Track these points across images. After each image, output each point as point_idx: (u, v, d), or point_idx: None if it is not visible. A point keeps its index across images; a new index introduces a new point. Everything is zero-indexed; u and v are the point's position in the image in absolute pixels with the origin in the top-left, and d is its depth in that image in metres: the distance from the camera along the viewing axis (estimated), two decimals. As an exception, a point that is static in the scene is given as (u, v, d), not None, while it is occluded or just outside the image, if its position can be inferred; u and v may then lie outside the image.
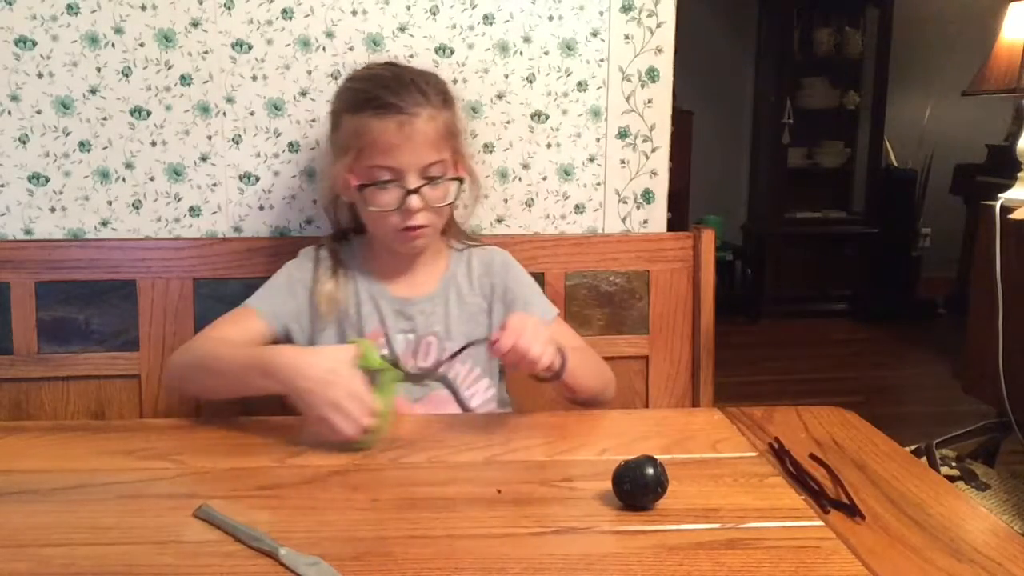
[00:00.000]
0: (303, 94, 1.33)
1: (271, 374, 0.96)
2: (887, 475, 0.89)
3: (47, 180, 1.30)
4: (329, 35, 1.32)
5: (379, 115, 1.05)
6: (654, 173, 1.42)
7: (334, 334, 1.15)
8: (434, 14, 1.33)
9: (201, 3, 1.29)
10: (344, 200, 1.16)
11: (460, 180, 1.13)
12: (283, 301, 1.15)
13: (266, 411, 1.31)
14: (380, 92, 1.06)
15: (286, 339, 1.14)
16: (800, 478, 0.87)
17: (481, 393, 1.17)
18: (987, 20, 2.88)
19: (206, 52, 1.30)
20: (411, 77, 1.10)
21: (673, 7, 1.38)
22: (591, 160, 1.40)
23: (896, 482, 0.87)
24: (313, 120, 1.34)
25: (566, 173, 1.40)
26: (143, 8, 1.28)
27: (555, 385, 1.07)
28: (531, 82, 1.37)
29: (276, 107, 1.33)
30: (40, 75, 1.28)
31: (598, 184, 1.41)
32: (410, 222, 1.08)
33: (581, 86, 1.38)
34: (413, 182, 1.07)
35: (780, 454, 0.93)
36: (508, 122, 1.37)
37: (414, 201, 1.06)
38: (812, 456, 0.93)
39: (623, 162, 1.41)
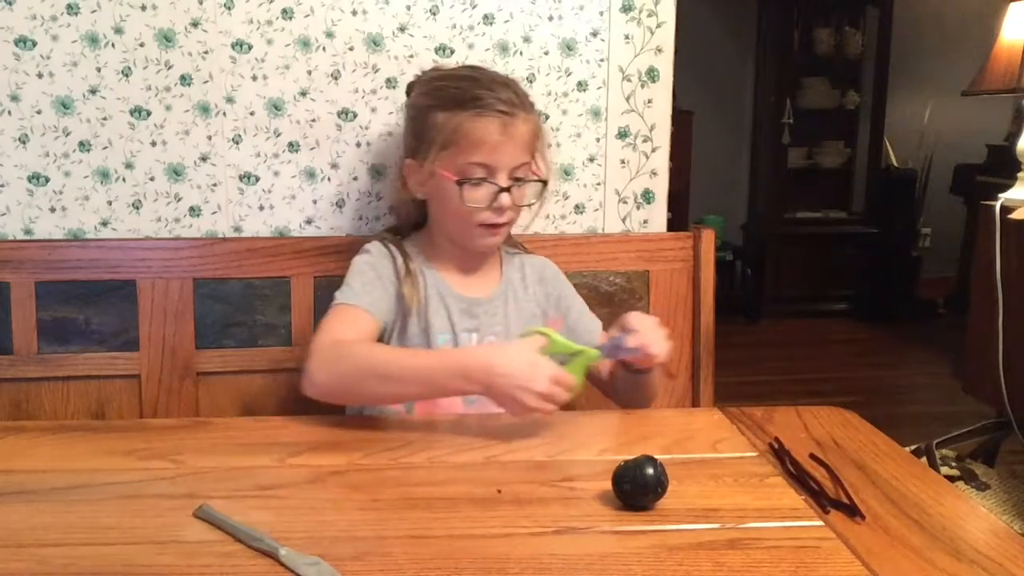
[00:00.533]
0: (303, 94, 1.33)
1: (468, 375, 0.96)
2: (887, 475, 0.89)
3: (47, 180, 1.30)
4: (329, 35, 1.32)
5: (482, 114, 1.08)
6: (654, 173, 1.42)
7: (405, 330, 1.15)
8: (434, 14, 1.33)
9: (201, 3, 1.29)
10: (419, 196, 1.16)
11: (544, 182, 1.15)
12: (380, 296, 1.13)
13: (266, 411, 1.32)
14: (481, 92, 1.09)
15: (387, 334, 1.14)
16: (800, 478, 0.87)
17: None
18: (987, 20, 2.88)
19: (206, 52, 1.30)
20: (504, 80, 1.13)
21: (673, 7, 1.38)
22: (591, 160, 1.40)
23: (896, 482, 0.87)
24: (313, 120, 1.34)
25: (566, 173, 1.40)
26: (143, 8, 1.28)
27: (633, 380, 1.12)
28: (531, 82, 1.37)
29: (276, 107, 1.33)
30: (40, 75, 1.28)
31: (598, 184, 1.41)
32: (499, 219, 1.11)
33: (581, 86, 1.38)
34: (504, 181, 1.09)
35: (780, 454, 0.93)
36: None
37: (505, 199, 1.09)
38: (812, 456, 0.93)
39: (623, 162, 1.41)
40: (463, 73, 1.16)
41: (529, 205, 1.15)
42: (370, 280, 1.14)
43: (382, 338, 1.14)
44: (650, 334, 1.02)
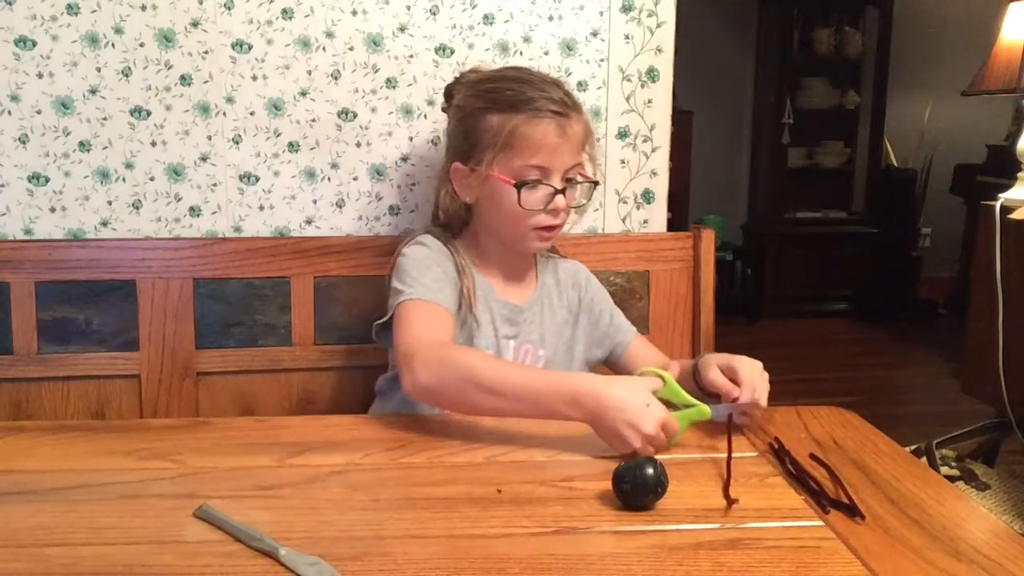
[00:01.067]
0: (303, 94, 1.33)
1: (578, 402, 0.93)
2: (887, 475, 0.89)
3: (47, 180, 1.30)
4: (329, 35, 1.32)
5: (538, 116, 1.07)
6: (654, 173, 1.42)
7: (460, 331, 1.13)
8: (434, 14, 1.33)
9: (201, 3, 1.29)
10: (467, 200, 1.14)
11: (595, 183, 1.15)
12: (450, 292, 1.11)
13: (266, 411, 1.32)
14: (535, 94, 1.08)
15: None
16: (800, 478, 0.87)
17: None
18: (987, 20, 2.88)
19: (206, 52, 1.30)
20: (553, 80, 1.12)
21: (673, 7, 1.38)
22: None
23: (896, 482, 0.87)
24: (313, 120, 1.34)
25: (566, 173, 1.40)
26: (143, 8, 1.28)
27: None
28: (531, 82, 1.36)
29: (276, 107, 1.33)
30: (40, 75, 1.28)
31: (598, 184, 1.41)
32: (554, 221, 1.10)
33: (581, 86, 1.38)
34: (558, 182, 1.09)
35: (780, 454, 0.93)
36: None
37: (561, 200, 1.09)
38: (812, 456, 0.93)
39: (623, 162, 1.41)
40: (513, 74, 1.14)
41: (580, 206, 1.14)
42: (438, 276, 1.11)
43: None
44: (759, 388, 1.00)
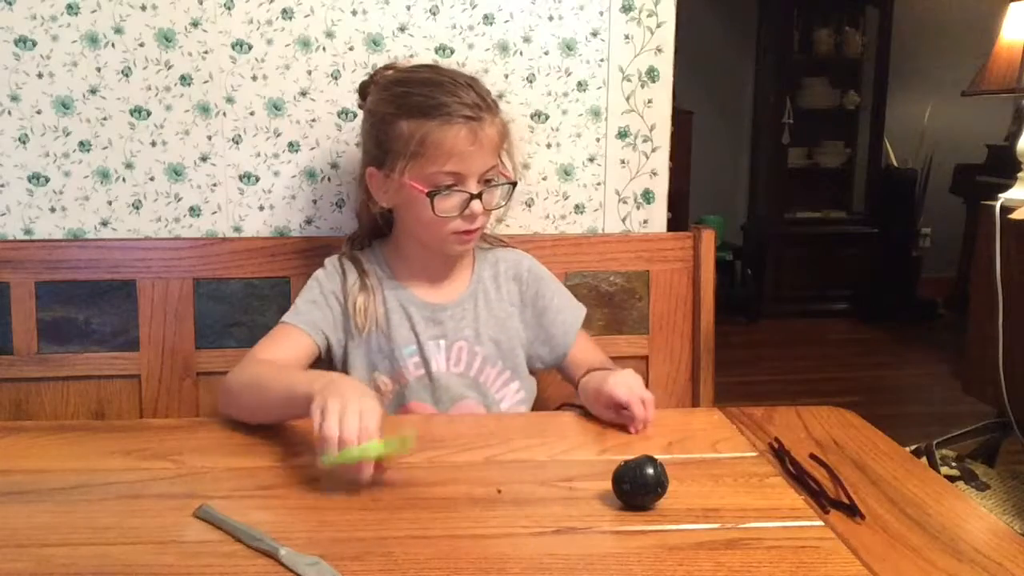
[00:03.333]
0: (303, 94, 1.33)
1: (297, 393, 0.91)
2: (887, 475, 0.89)
3: (47, 180, 1.30)
4: (329, 35, 1.32)
5: (449, 122, 1.04)
6: (654, 173, 1.42)
7: (365, 345, 1.14)
8: (434, 14, 1.33)
9: (201, 3, 1.29)
10: (383, 206, 1.13)
11: (514, 184, 1.13)
12: (322, 314, 1.13)
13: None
14: (446, 99, 1.05)
15: (328, 352, 1.14)
16: (800, 478, 0.87)
17: (511, 396, 1.18)
18: (987, 20, 2.88)
19: (206, 52, 1.30)
20: (467, 81, 1.09)
21: (673, 7, 1.38)
22: (591, 160, 1.40)
23: (896, 482, 0.87)
24: (313, 120, 1.34)
25: (566, 173, 1.40)
26: (143, 8, 1.28)
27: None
28: (531, 82, 1.37)
29: (276, 107, 1.33)
30: (40, 75, 1.28)
31: (598, 184, 1.41)
32: (471, 226, 1.08)
33: (581, 86, 1.38)
34: (474, 187, 1.07)
35: (780, 454, 0.93)
36: (508, 122, 1.36)
37: (477, 206, 1.07)
38: (812, 456, 0.93)
39: (623, 162, 1.41)
40: (425, 76, 1.10)
41: (499, 207, 1.12)
42: (313, 299, 1.14)
43: (332, 357, 1.14)
44: (647, 403, 1.00)
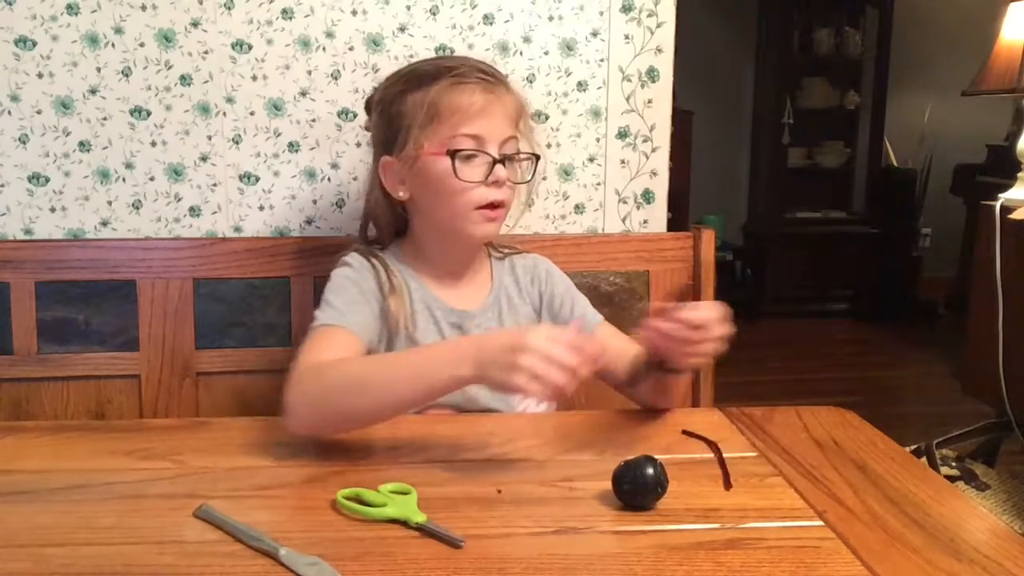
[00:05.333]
0: (303, 94, 1.33)
1: (459, 355, 0.85)
2: (887, 475, 0.89)
3: (47, 180, 1.30)
4: (329, 35, 1.32)
5: (461, 81, 1.00)
6: (654, 173, 1.42)
7: (389, 348, 1.08)
8: (434, 14, 1.33)
9: (201, 3, 1.29)
10: (401, 195, 1.08)
11: (537, 157, 1.07)
12: (365, 314, 1.04)
13: (266, 411, 1.31)
14: (455, 64, 1.02)
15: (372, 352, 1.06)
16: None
17: (535, 405, 1.10)
18: (987, 20, 2.88)
19: (206, 52, 1.30)
20: (478, 60, 1.07)
21: (673, 7, 1.38)
22: (591, 160, 1.40)
23: (896, 482, 0.87)
24: (313, 120, 1.34)
25: (566, 173, 1.40)
26: (143, 8, 1.28)
27: (664, 382, 1.02)
28: (531, 82, 1.37)
29: (276, 107, 1.33)
30: (40, 75, 1.28)
31: (598, 184, 1.41)
32: (495, 197, 1.02)
33: (581, 86, 1.38)
34: (495, 152, 1.01)
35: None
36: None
37: (501, 171, 1.01)
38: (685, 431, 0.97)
39: (623, 162, 1.41)
40: (431, 58, 1.09)
41: (526, 182, 1.08)
42: (353, 297, 1.05)
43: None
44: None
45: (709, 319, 0.90)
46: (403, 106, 1.04)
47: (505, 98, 1.04)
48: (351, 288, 1.06)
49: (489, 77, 1.03)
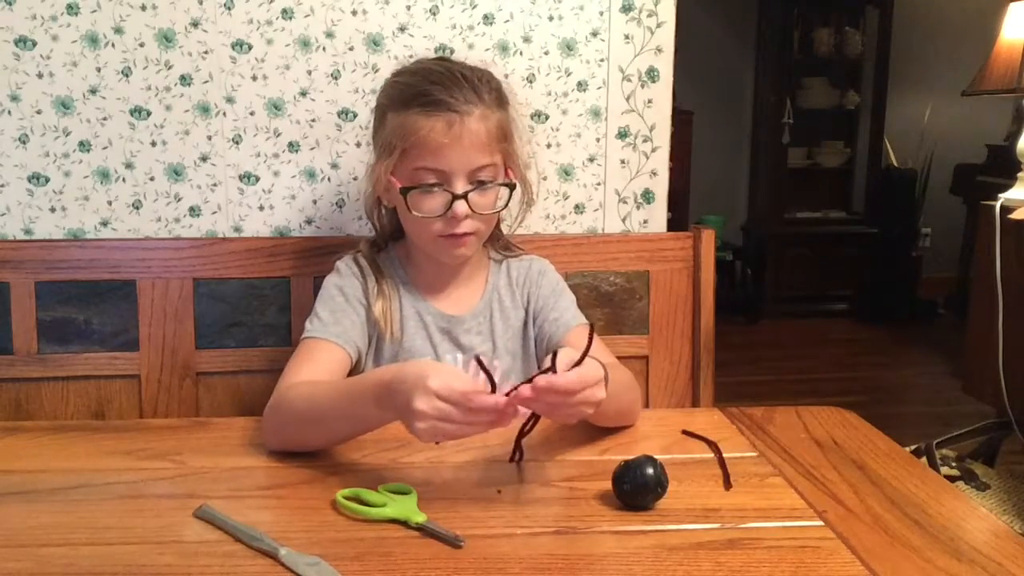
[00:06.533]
0: (303, 94, 1.33)
1: (378, 398, 0.83)
2: (887, 475, 0.89)
3: (47, 180, 1.30)
4: (329, 35, 1.32)
5: (427, 112, 0.98)
6: (654, 173, 1.42)
7: (375, 353, 1.09)
8: (434, 14, 1.33)
9: (201, 3, 1.29)
10: (386, 204, 1.10)
11: (512, 186, 1.05)
12: (350, 322, 1.05)
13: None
14: (429, 87, 0.99)
15: (363, 360, 1.07)
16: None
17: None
18: (987, 20, 2.88)
19: (206, 52, 1.30)
20: (462, 72, 1.02)
21: (673, 7, 1.38)
22: (591, 160, 1.40)
23: (896, 482, 0.87)
24: (313, 120, 1.34)
25: (566, 173, 1.40)
26: (143, 8, 1.28)
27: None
28: (531, 82, 1.37)
29: (276, 107, 1.33)
30: (40, 75, 1.28)
31: (598, 184, 1.41)
32: (455, 230, 1.01)
33: (581, 86, 1.38)
34: (460, 187, 0.99)
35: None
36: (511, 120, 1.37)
37: (460, 207, 0.99)
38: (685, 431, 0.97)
39: (623, 162, 1.41)
40: (421, 67, 1.05)
41: (497, 212, 1.05)
42: (338, 307, 1.05)
43: (357, 367, 1.06)
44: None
45: (581, 385, 0.79)
46: (387, 123, 1.03)
47: (476, 126, 0.99)
48: (337, 297, 1.07)
49: (461, 106, 0.98)
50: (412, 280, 1.11)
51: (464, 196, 1.00)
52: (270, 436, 0.95)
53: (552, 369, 0.78)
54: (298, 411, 0.93)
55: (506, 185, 1.05)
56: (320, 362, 1.01)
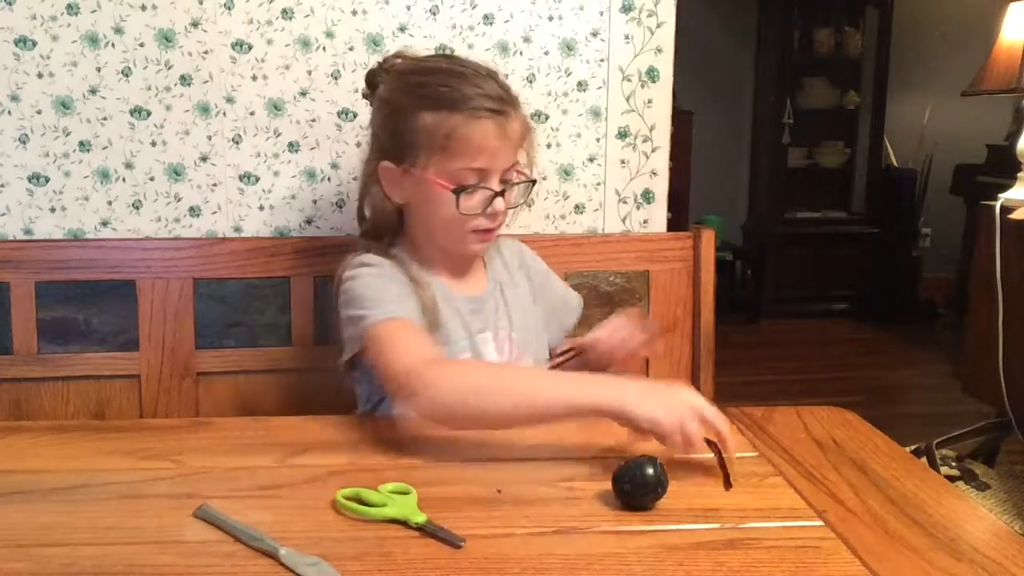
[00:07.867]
0: (303, 94, 1.33)
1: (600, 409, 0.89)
2: (887, 475, 0.89)
3: (47, 180, 1.30)
4: (329, 35, 1.32)
5: (476, 116, 1.00)
6: (654, 173, 1.42)
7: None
8: (434, 14, 1.33)
9: (201, 3, 1.29)
10: (398, 201, 1.07)
11: (533, 182, 1.09)
12: (414, 305, 1.03)
13: (266, 411, 1.32)
14: (469, 90, 1.00)
15: None
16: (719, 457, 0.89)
17: None
18: (987, 20, 2.88)
19: (206, 52, 1.30)
20: (486, 71, 1.04)
21: (673, 7, 1.38)
22: (591, 160, 1.40)
23: (896, 482, 0.87)
24: (313, 120, 1.34)
25: (566, 173, 1.40)
26: (143, 8, 1.28)
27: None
28: (531, 82, 1.37)
29: (276, 107, 1.33)
30: (40, 75, 1.28)
31: (598, 184, 1.41)
32: (492, 224, 1.05)
33: (581, 86, 1.38)
34: (497, 184, 1.03)
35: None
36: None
37: (500, 204, 1.03)
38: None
39: (623, 162, 1.41)
40: (445, 67, 1.05)
41: (517, 206, 1.09)
42: (400, 293, 1.03)
43: None
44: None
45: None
46: (415, 123, 1.02)
47: (514, 126, 1.03)
48: (390, 284, 1.04)
49: (502, 107, 1.02)
50: (430, 270, 1.11)
51: (502, 193, 1.04)
52: (451, 399, 0.92)
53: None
54: (489, 382, 0.93)
55: (530, 182, 1.09)
56: (423, 340, 0.98)
